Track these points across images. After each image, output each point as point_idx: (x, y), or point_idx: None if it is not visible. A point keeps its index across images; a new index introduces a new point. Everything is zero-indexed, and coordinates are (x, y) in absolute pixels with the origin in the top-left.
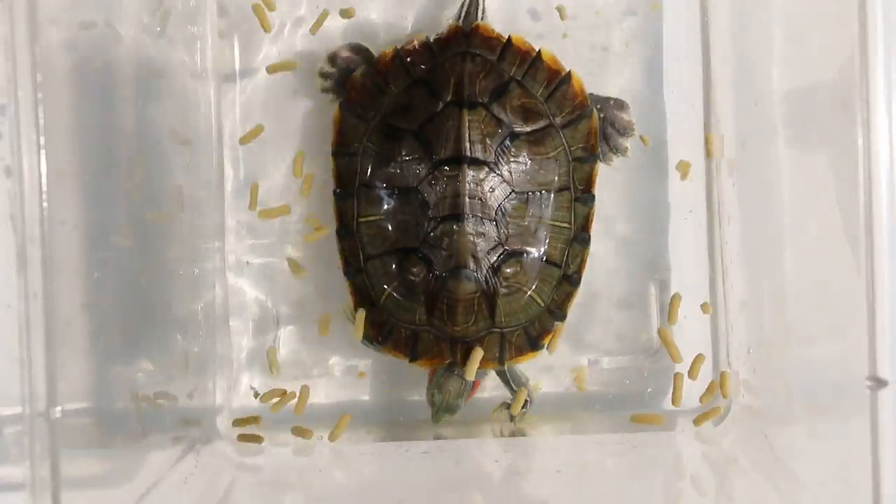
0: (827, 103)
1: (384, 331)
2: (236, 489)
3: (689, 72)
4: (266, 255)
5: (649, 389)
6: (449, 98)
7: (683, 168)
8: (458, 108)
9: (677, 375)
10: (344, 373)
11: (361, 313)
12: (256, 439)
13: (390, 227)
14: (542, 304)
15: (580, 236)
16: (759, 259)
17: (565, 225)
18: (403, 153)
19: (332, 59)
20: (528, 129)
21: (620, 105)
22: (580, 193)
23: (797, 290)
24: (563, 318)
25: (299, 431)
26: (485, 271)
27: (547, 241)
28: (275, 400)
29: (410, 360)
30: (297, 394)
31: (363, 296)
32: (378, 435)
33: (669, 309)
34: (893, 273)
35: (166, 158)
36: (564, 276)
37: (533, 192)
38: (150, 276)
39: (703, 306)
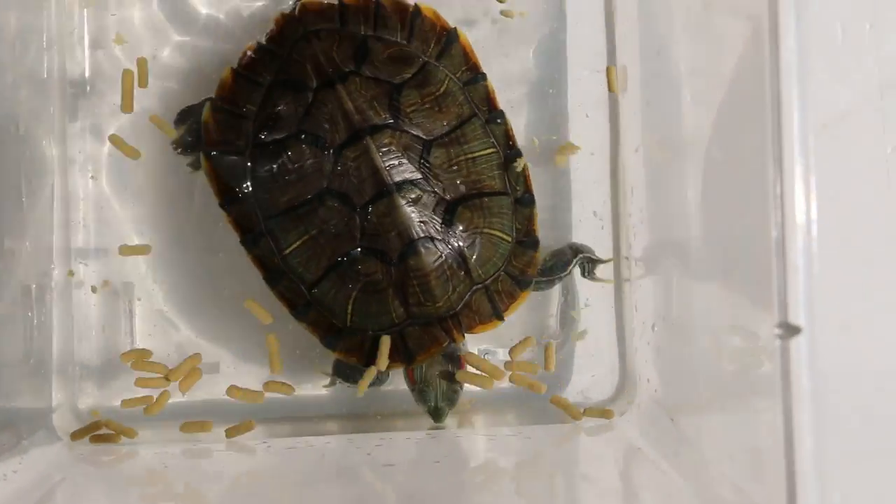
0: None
1: (366, 351)
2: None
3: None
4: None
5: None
6: (315, 84)
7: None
8: (330, 87)
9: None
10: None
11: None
12: (111, 439)
13: (321, 241)
14: (510, 239)
15: (510, 154)
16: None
17: (492, 150)
18: (296, 162)
19: (178, 142)
20: (408, 74)
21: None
22: (488, 115)
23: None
24: (535, 244)
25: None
26: (439, 233)
27: (483, 173)
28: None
29: (409, 363)
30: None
31: (325, 328)
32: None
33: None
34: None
35: None
36: (516, 200)
37: (445, 133)
38: None
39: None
